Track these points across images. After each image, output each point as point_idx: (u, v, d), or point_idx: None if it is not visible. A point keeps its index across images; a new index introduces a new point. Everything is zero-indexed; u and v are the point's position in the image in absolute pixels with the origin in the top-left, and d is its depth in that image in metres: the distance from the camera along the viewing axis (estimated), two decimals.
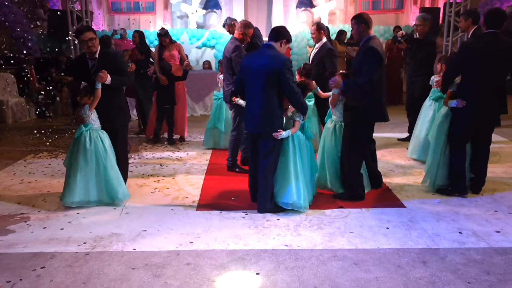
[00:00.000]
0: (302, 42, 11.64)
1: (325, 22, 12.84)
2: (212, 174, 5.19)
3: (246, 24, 4.97)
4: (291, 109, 4.04)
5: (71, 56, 8.61)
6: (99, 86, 4.03)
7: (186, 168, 5.46)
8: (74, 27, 8.45)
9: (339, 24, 12.96)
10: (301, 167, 3.96)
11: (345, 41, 9.75)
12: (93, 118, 4.14)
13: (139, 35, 7.13)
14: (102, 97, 4.07)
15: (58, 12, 10.89)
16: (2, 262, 3.14)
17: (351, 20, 4.11)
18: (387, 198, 4.34)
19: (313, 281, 2.85)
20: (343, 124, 4.30)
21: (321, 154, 4.52)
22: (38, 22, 11.49)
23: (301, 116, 3.98)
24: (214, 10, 13.72)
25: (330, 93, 5.22)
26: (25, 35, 10.24)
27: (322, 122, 5.78)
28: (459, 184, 4.29)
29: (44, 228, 3.72)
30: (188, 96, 7.17)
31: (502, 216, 3.86)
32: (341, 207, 4.08)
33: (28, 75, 9.34)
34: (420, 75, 5.99)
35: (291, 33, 4.13)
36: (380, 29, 12.08)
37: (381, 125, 4.27)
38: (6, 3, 9.90)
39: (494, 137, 6.10)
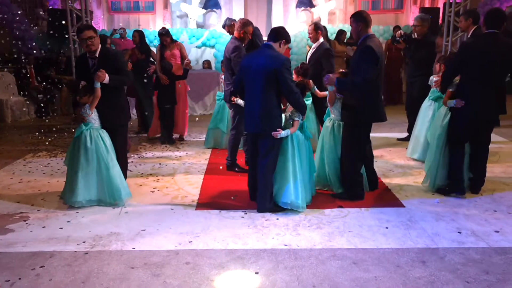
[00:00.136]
0: (302, 42, 11.64)
1: (324, 22, 12.84)
2: (211, 173, 5.19)
3: (244, 23, 4.96)
4: (290, 108, 4.04)
5: (72, 55, 8.59)
6: (98, 85, 4.03)
7: (186, 168, 5.46)
8: (74, 26, 8.43)
9: (339, 24, 12.97)
10: (300, 167, 3.97)
11: (345, 41, 9.75)
12: (94, 118, 4.13)
13: (139, 35, 7.13)
14: (102, 96, 4.07)
15: (58, 12, 10.88)
16: (1, 261, 3.14)
17: (350, 18, 4.12)
18: (387, 198, 4.34)
19: (312, 280, 2.85)
20: (341, 123, 4.31)
21: (320, 153, 4.52)
22: (38, 22, 11.48)
23: (300, 115, 3.99)
24: (214, 9, 13.72)
25: (327, 92, 5.22)
26: (25, 34, 10.22)
27: (320, 121, 5.79)
28: (456, 184, 4.29)
29: (43, 227, 3.72)
30: (187, 95, 7.18)
31: (501, 216, 3.86)
32: (341, 206, 4.08)
33: (28, 75, 9.34)
34: (419, 75, 6.00)
35: (290, 33, 4.14)
36: (380, 29, 12.09)
37: (380, 125, 4.28)
38: (6, 3, 9.89)
39: (494, 137, 6.10)
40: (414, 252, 3.21)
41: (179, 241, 3.42)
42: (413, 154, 5.62)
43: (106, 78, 4.02)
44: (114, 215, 3.96)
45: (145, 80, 6.92)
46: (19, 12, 10.26)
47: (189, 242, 3.41)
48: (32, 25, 10.92)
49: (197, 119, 7.73)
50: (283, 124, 3.97)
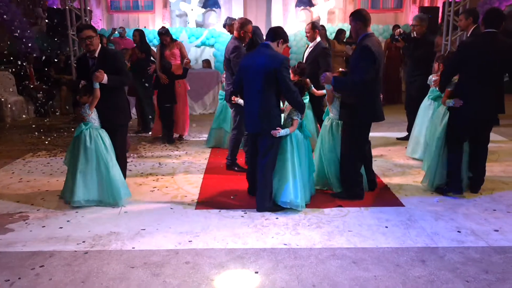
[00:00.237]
0: (301, 41, 11.63)
1: (324, 21, 12.83)
2: (211, 173, 5.19)
3: (243, 23, 4.96)
4: (288, 108, 4.05)
5: (71, 54, 8.58)
6: (97, 85, 4.02)
7: (185, 167, 5.46)
8: (73, 26, 8.42)
9: (338, 23, 12.96)
10: (299, 166, 3.97)
11: (344, 40, 9.75)
12: (93, 117, 4.13)
13: (139, 34, 7.13)
14: (102, 96, 4.06)
15: (57, 11, 10.87)
16: (1, 261, 3.14)
17: (349, 17, 4.11)
18: (386, 197, 4.34)
19: (312, 279, 2.85)
20: (339, 122, 4.31)
21: (319, 152, 4.52)
22: (37, 21, 11.47)
23: (299, 114, 3.99)
24: (213, 8, 13.71)
25: (324, 91, 5.21)
26: (24, 33, 10.21)
27: (317, 121, 5.78)
28: (454, 184, 4.29)
29: (43, 227, 3.72)
30: (187, 95, 7.18)
31: (500, 215, 3.87)
32: (340, 206, 4.08)
33: (27, 74, 9.33)
34: (418, 74, 6.00)
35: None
36: (379, 28, 12.08)
37: (379, 124, 4.28)
38: (5, 2, 9.87)
39: (493, 136, 6.10)
40: (414, 251, 3.21)
41: (178, 240, 3.42)
42: (412, 153, 5.62)
43: (105, 79, 4.01)
44: (114, 214, 3.96)
45: (143, 79, 6.91)
46: (18, 12, 10.24)
47: (189, 241, 3.41)
48: (31, 25, 10.91)
49: (194, 125, 7.72)
50: (282, 124, 3.98)
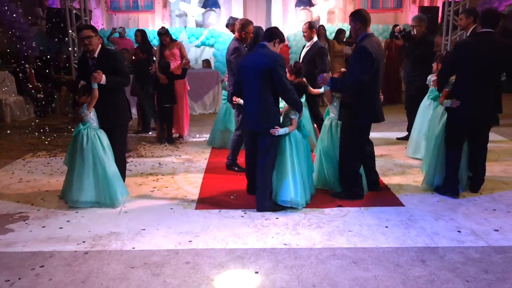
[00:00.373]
0: (301, 41, 11.60)
1: (324, 21, 12.83)
2: (211, 173, 5.19)
3: (244, 24, 4.98)
4: (286, 107, 4.07)
5: (71, 54, 8.58)
6: (96, 86, 4.01)
7: (185, 167, 5.46)
8: (73, 26, 8.42)
9: (338, 23, 12.96)
10: (298, 164, 3.99)
11: (344, 40, 9.74)
12: (92, 117, 4.13)
13: (142, 34, 7.13)
14: (101, 96, 4.06)
15: (57, 11, 10.87)
16: (1, 261, 3.14)
17: (349, 17, 4.11)
18: (386, 197, 4.34)
19: (312, 279, 2.85)
20: (339, 122, 4.31)
21: (319, 152, 4.52)
22: (37, 21, 11.46)
23: (297, 113, 4.01)
24: (213, 8, 13.71)
25: (321, 89, 5.22)
26: (24, 33, 10.21)
27: (313, 120, 5.77)
28: (451, 185, 4.28)
29: (43, 227, 3.72)
30: (187, 95, 7.18)
31: (500, 215, 3.87)
32: (340, 206, 4.08)
33: (27, 74, 9.33)
34: (418, 74, 5.99)
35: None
36: (379, 27, 12.09)
37: (379, 124, 4.27)
38: (5, 2, 9.87)
39: (493, 136, 6.11)
40: (414, 251, 3.21)
41: (179, 240, 3.42)
42: (412, 153, 5.63)
43: (103, 79, 4.01)
44: (114, 214, 3.96)
45: (144, 80, 6.91)
46: (18, 11, 10.23)
47: (189, 241, 3.41)
48: (31, 25, 10.90)
49: (197, 135, 7.71)
50: (280, 123, 3.99)
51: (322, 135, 4.51)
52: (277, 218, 3.82)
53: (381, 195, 4.38)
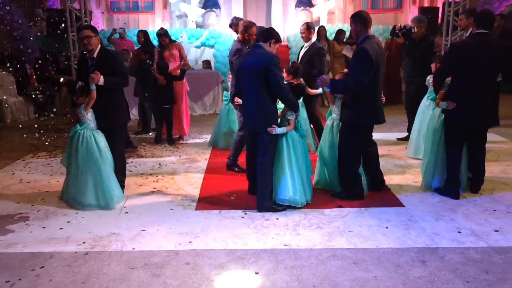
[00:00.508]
0: (301, 42, 11.59)
1: (324, 21, 12.84)
2: (211, 173, 5.19)
3: (247, 26, 5.00)
4: (283, 108, 4.09)
5: (71, 55, 8.58)
6: (93, 87, 4.01)
7: (185, 168, 5.46)
8: (73, 26, 8.43)
9: (338, 23, 12.97)
10: (296, 163, 4.01)
11: (344, 41, 9.74)
12: (90, 118, 4.12)
13: (144, 35, 7.14)
14: (99, 97, 4.06)
15: (57, 12, 10.88)
16: (1, 262, 3.14)
17: (350, 19, 4.12)
18: (386, 198, 4.34)
19: (312, 280, 2.85)
20: (341, 122, 4.31)
21: (321, 152, 4.52)
22: (37, 22, 11.47)
23: (293, 114, 4.03)
24: (213, 9, 13.71)
25: (318, 90, 5.20)
26: (24, 34, 10.20)
27: (310, 121, 5.77)
28: (452, 187, 4.27)
29: (43, 227, 3.72)
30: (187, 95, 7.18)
31: (500, 216, 3.87)
32: (340, 206, 4.08)
33: (27, 75, 9.32)
34: (417, 75, 5.99)
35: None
36: (379, 28, 12.08)
37: (380, 124, 4.27)
38: (5, 2, 9.87)
39: (493, 136, 6.10)
40: (414, 252, 3.21)
41: (179, 241, 3.42)
42: (412, 153, 5.62)
43: (101, 80, 4.01)
44: (114, 215, 3.96)
45: (145, 80, 6.91)
46: (18, 12, 10.23)
47: (189, 242, 3.41)
48: (31, 25, 10.91)
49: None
50: (278, 122, 4.01)
51: (324, 135, 4.51)
52: (277, 218, 3.82)
53: (381, 196, 4.38)
